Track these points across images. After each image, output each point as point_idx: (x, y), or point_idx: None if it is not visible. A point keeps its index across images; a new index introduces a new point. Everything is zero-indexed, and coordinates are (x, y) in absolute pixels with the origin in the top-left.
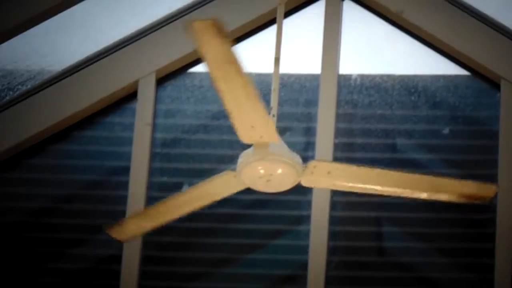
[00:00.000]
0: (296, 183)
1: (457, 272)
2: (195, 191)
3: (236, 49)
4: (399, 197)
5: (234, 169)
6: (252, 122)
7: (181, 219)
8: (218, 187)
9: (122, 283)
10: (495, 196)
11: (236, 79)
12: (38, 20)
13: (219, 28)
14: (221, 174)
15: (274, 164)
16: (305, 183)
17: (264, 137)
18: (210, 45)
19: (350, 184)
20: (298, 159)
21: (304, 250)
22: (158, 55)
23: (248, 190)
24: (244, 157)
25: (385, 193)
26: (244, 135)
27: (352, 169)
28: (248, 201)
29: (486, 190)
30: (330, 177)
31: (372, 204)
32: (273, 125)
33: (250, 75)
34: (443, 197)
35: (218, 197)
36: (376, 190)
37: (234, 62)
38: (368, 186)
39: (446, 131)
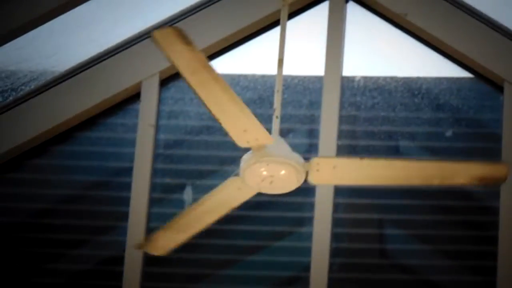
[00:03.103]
0: (300, 182)
1: (459, 275)
2: (209, 203)
3: (205, 56)
4: (401, 198)
5: (237, 173)
6: (243, 126)
7: None
8: (229, 195)
9: (124, 284)
10: (508, 176)
11: (214, 83)
12: (42, 21)
13: (182, 36)
14: (227, 181)
15: (275, 165)
16: (312, 180)
17: (260, 139)
18: (179, 52)
19: (358, 177)
20: (298, 158)
21: (307, 252)
22: (162, 56)
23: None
24: (244, 161)
25: (394, 183)
26: (240, 140)
27: (357, 161)
28: (251, 203)
29: (497, 170)
30: (336, 171)
31: (375, 206)
32: (261, 126)
33: (246, 77)
34: (454, 181)
35: (233, 204)
36: (385, 180)
37: (207, 67)
38: (375, 177)
39: (449, 133)
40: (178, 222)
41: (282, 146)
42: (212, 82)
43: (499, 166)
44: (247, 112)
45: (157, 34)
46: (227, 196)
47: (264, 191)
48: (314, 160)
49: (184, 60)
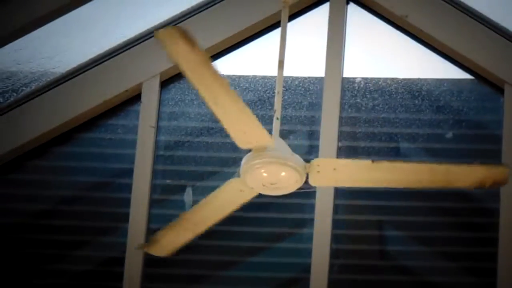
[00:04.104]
0: (300, 183)
1: (459, 276)
2: (210, 204)
3: (209, 56)
4: (401, 200)
5: (237, 174)
6: (244, 128)
7: None
8: (230, 197)
9: (125, 285)
10: (508, 178)
11: (216, 84)
12: (42, 22)
13: (186, 36)
14: (228, 183)
15: (275, 166)
16: (313, 182)
17: (261, 141)
18: (182, 52)
19: (358, 179)
20: (299, 159)
21: (307, 253)
22: (162, 57)
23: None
24: (245, 163)
25: (394, 186)
26: (241, 141)
27: (358, 163)
28: (252, 204)
29: (497, 172)
30: (336, 173)
31: (375, 208)
32: (261, 127)
33: (247, 78)
34: (455, 185)
35: (234, 206)
36: (385, 183)
37: (210, 68)
38: (376, 180)
39: (449, 135)
40: (180, 223)
41: (282, 148)
42: (214, 82)
43: (499, 168)
44: (248, 113)
45: (160, 33)
46: (229, 198)
47: (265, 192)
48: (315, 162)
49: (186, 60)
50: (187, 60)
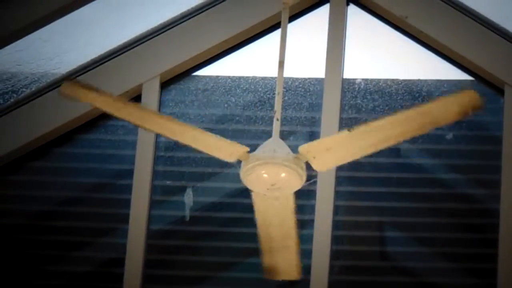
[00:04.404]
0: (303, 176)
1: (460, 277)
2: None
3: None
4: (401, 201)
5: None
6: (213, 146)
7: (184, 223)
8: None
9: (125, 286)
10: (478, 98)
11: (153, 116)
12: (43, 23)
13: (88, 85)
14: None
15: (271, 167)
16: (316, 167)
17: (235, 152)
18: (96, 97)
19: (354, 150)
20: (288, 154)
21: (307, 254)
22: (162, 58)
23: (249, 194)
24: (241, 173)
25: (388, 144)
26: (224, 157)
27: (344, 135)
28: (251, 204)
29: (467, 97)
30: (332, 152)
31: (375, 209)
32: (224, 140)
33: (247, 79)
34: (439, 122)
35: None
36: (379, 144)
37: (134, 104)
38: (369, 144)
39: (449, 136)
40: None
41: (280, 148)
42: (151, 115)
43: (467, 93)
44: (204, 133)
45: (64, 88)
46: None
47: (270, 194)
48: (303, 149)
49: (108, 104)
50: (108, 104)
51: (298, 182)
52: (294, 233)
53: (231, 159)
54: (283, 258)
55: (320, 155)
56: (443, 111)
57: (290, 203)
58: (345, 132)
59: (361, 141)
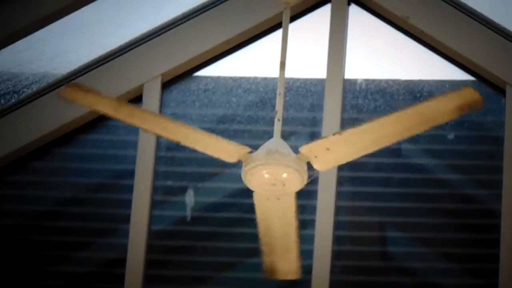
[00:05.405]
0: (304, 176)
1: (461, 278)
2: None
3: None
4: (402, 201)
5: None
6: (215, 147)
7: (185, 223)
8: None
9: (126, 287)
10: (477, 95)
11: (153, 117)
12: (44, 23)
13: (87, 88)
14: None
15: (273, 167)
16: (318, 167)
17: (237, 153)
18: (95, 100)
19: (354, 149)
20: (285, 154)
21: (309, 254)
22: (164, 58)
23: (250, 194)
24: (243, 174)
25: (388, 142)
26: (225, 157)
27: (345, 134)
28: (252, 205)
29: (467, 94)
30: (333, 152)
31: (376, 209)
32: (226, 141)
33: (248, 79)
34: (437, 121)
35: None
36: (379, 142)
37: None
38: (369, 144)
39: (451, 136)
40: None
41: (282, 148)
42: (152, 117)
43: (465, 90)
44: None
45: (62, 92)
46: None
47: (272, 194)
48: (303, 149)
49: (107, 107)
50: (108, 107)
51: (299, 182)
52: (295, 234)
53: (232, 159)
54: (284, 259)
55: (321, 155)
56: (441, 107)
57: (291, 203)
58: (345, 132)
59: (361, 140)
